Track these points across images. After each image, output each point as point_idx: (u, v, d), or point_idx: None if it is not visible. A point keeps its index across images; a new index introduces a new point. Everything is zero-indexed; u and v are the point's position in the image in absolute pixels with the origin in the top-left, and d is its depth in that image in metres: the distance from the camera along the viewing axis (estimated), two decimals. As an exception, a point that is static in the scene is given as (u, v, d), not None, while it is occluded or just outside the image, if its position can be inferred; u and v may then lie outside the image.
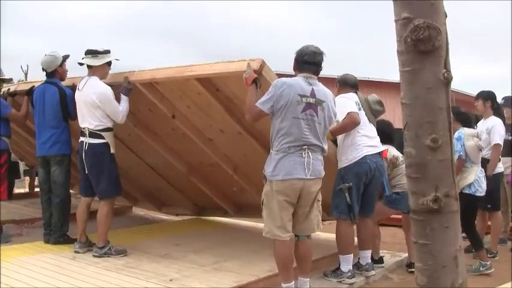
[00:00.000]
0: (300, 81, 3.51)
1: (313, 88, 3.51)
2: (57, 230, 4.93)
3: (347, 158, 4.17)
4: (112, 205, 4.71)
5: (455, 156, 5.07)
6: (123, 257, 4.56)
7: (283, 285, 3.59)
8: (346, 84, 4.48)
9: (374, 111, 4.45)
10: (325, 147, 3.65)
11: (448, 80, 2.00)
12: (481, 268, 4.93)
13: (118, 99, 4.57)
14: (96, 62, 4.57)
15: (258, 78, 3.62)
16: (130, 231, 5.78)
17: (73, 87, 4.86)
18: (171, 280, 3.90)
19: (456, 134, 5.11)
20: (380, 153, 4.35)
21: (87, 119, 4.53)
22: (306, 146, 3.47)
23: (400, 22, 1.99)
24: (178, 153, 5.50)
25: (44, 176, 5.05)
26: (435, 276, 2.08)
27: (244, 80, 3.62)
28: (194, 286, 3.79)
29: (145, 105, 4.86)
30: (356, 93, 4.41)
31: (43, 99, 4.94)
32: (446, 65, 2.01)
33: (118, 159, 4.81)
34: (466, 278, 2.14)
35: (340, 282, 4.18)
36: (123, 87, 4.58)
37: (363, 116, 4.22)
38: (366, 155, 4.14)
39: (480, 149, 5.04)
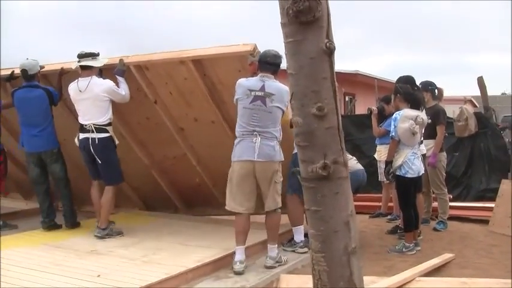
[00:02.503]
0: (253, 80, 4.23)
1: (264, 84, 4.17)
2: (71, 215, 5.59)
3: None
4: (115, 191, 5.25)
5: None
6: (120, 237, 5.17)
7: (236, 247, 4.26)
8: None
9: None
10: (277, 134, 4.22)
11: (330, 50, 2.05)
12: (403, 249, 5.12)
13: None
14: (98, 63, 5.04)
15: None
16: (60, 229, 5.67)
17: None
18: (99, 276, 3.88)
19: (394, 115, 5.23)
20: None
21: (94, 116, 4.98)
22: (256, 132, 4.11)
23: (281, -6, 2.03)
24: (145, 145, 5.82)
25: (37, 171, 5.48)
26: (328, 241, 2.14)
27: (248, 64, 4.36)
28: (123, 280, 3.79)
29: (130, 89, 5.18)
30: None
31: (28, 102, 5.28)
32: (329, 35, 2.06)
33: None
34: (358, 242, 2.21)
35: (294, 251, 4.84)
36: (117, 69, 5.01)
37: None
38: None
39: (413, 133, 5.05)
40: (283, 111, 4.28)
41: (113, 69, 5.10)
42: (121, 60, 5.02)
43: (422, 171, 5.37)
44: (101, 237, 5.07)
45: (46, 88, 5.38)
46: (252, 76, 4.37)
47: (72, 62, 5.24)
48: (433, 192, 6.32)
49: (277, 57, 4.25)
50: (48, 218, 5.52)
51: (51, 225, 5.51)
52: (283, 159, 4.35)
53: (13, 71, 5.62)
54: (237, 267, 4.18)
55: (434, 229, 6.15)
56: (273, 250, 4.40)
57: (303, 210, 4.60)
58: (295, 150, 4.48)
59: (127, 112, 5.44)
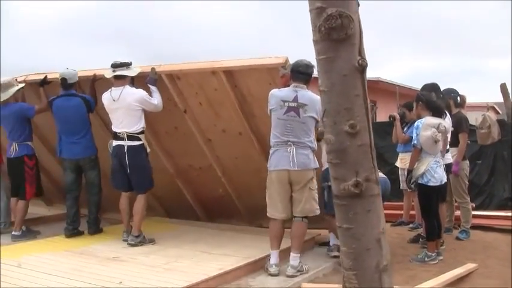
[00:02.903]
0: (286, 90, 4.33)
1: (297, 94, 4.26)
2: (95, 222, 5.70)
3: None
4: (147, 199, 5.33)
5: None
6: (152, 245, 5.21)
7: (271, 251, 4.41)
8: None
9: None
10: (311, 144, 4.33)
11: (362, 67, 2.05)
12: (425, 259, 5.06)
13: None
14: (131, 72, 5.12)
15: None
16: (82, 236, 5.71)
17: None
18: (121, 282, 3.90)
19: (416, 123, 5.19)
20: None
21: (127, 124, 5.08)
22: (290, 142, 4.24)
23: (314, 12, 2.03)
24: (172, 154, 5.85)
25: (72, 177, 5.62)
26: (360, 259, 2.13)
27: (280, 76, 4.47)
28: (145, 287, 3.81)
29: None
30: None
31: (67, 110, 5.43)
32: (361, 52, 2.06)
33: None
34: (390, 260, 2.20)
35: (328, 254, 5.06)
36: (150, 78, 5.10)
37: None
38: None
39: (436, 141, 5.01)
40: (316, 121, 4.36)
41: (145, 78, 5.16)
42: (153, 69, 5.11)
43: (445, 180, 5.31)
44: (134, 245, 5.12)
45: (83, 96, 5.51)
46: (285, 87, 4.46)
47: (101, 70, 5.34)
48: (456, 201, 6.24)
49: (309, 67, 4.35)
50: (72, 225, 5.59)
51: (74, 233, 5.57)
52: (318, 166, 4.48)
53: (46, 75, 5.74)
54: (273, 270, 4.34)
55: (457, 238, 6.07)
56: (295, 259, 4.42)
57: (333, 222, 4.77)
58: (326, 166, 4.62)
59: (156, 121, 5.47)
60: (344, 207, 2.13)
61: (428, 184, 5.12)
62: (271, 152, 4.40)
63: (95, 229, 5.71)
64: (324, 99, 2.09)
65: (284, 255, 4.56)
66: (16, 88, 5.71)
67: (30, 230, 5.81)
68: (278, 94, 4.34)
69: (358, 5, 2.05)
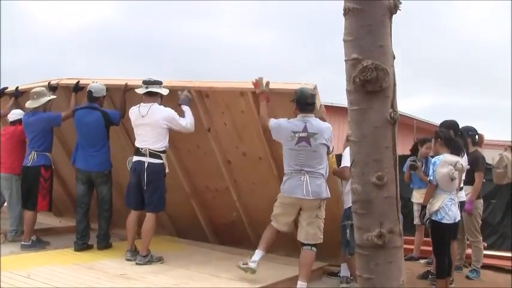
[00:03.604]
0: (294, 121, 4.48)
1: (306, 124, 4.41)
2: (104, 238, 5.68)
3: (350, 200, 4.71)
4: (156, 219, 5.30)
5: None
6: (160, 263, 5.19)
7: (257, 250, 4.58)
8: None
9: None
10: (323, 171, 4.45)
11: (394, 120, 2.06)
12: None
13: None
14: (164, 91, 5.18)
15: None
16: (92, 250, 5.70)
17: None
18: None
19: (433, 159, 5.17)
20: None
21: (150, 141, 5.09)
22: (304, 171, 4.37)
23: (349, 62, 2.06)
24: (190, 173, 5.87)
25: (83, 189, 5.61)
26: (378, 310, 2.12)
27: (257, 92, 4.66)
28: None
29: None
30: None
31: (86, 123, 5.49)
32: (393, 105, 2.08)
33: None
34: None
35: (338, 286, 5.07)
36: (183, 98, 5.17)
37: None
38: None
39: (452, 178, 4.96)
40: (328, 147, 4.50)
41: (173, 95, 5.19)
42: (186, 89, 5.19)
43: (459, 218, 5.27)
44: (143, 264, 5.09)
45: (104, 111, 5.54)
46: (266, 103, 4.66)
47: (133, 80, 5.45)
48: (468, 239, 6.18)
49: (314, 97, 4.51)
50: (81, 240, 5.56)
51: (83, 247, 5.56)
52: (329, 196, 4.54)
53: (78, 81, 5.85)
54: (252, 265, 4.50)
55: (467, 277, 6.00)
56: (303, 287, 4.43)
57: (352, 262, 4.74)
58: (347, 205, 4.61)
59: (180, 138, 5.48)
60: (366, 257, 2.13)
61: (442, 221, 5.08)
62: (285, 178, 4.53)
63: (104, 244, 5.68)
64: (354, 150, 2.10)
65: (291, 283, 4.61)
66: (47, 98, 5.77)
67: (40, 240, 5.83)
68: (287, 126, 4.48)
69: (394, 57, 2.07)
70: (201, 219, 6.03)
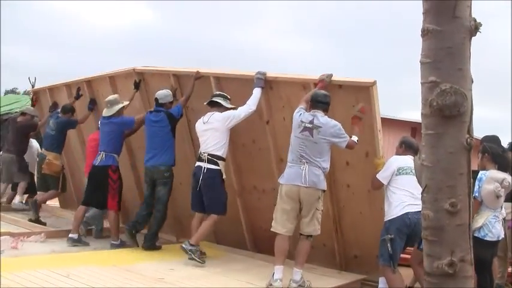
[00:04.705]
0: (305, 114, 4.68)
1: (314, 118, 4.59)
2: (151, 238, 5.73)
3: (391, 213, 4.66)
4: (216, 221, 5.36)
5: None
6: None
7: (275, 266, 4.56)
8: (411, 148, 4.98)
9: None
10: (323, 164, 4.56)
11: (470, 146, 2.00)
12: None
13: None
14: (228, 104, 5.35)
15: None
16: (130, 251, 5.73)
17: None
18: None
19: (479, 175, 5.04)
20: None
21: (210, 145, 5.24)
22: (304, 160, 4.51)
23: (426, 85, 2.00)
24: (241, 170, 5.85)
25: (150, 192, 5.80)
26: None
27: (318, 80, 4.81)
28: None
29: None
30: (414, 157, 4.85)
31: (152, 125, 5.74)
32: (470, 131, 2.01)
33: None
34: None
35: None
36: (257, 80, 5.24)
37: (412, 181, 4.56)
38: (408, 212, 4.57)
39: (498, 196, 4.83)
40: (332, 144, 4.61)
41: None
42: (262, 72, 5.27)
43: (502, 235, 5.13)
44: (185, 250, 5.15)
45: (168, 112, 5.71)
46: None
47: (205, 69, 5.72)
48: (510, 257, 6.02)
49: (326, 97, 4.71)
50: (134, 226, 5.77)
51: (131, 233, 5.75)
52: (325, 188, 4.64)
53: (141, 79, 6.34)
54: (277, 284, 4.47)
55: (508, 296, 5.85)
56: (298, 274, 4.60)
57: (400, 278, 4.71)
58: (389, 218, 4.61)
59: (237, 131, 5.48)
60: (435, 286, 2.07)
61: (485, 238, 4.95)
62: (286, 167, 4.66)
63: (150, 245, 5.70)
64: (427, 175, 2.04)
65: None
66: (120, 105, 5.97)
67: (81, 240, 5.90)
68: (298, 117, 4.68)
69: (472, 81, 2.00)
70: (242, 222, 5.94)
